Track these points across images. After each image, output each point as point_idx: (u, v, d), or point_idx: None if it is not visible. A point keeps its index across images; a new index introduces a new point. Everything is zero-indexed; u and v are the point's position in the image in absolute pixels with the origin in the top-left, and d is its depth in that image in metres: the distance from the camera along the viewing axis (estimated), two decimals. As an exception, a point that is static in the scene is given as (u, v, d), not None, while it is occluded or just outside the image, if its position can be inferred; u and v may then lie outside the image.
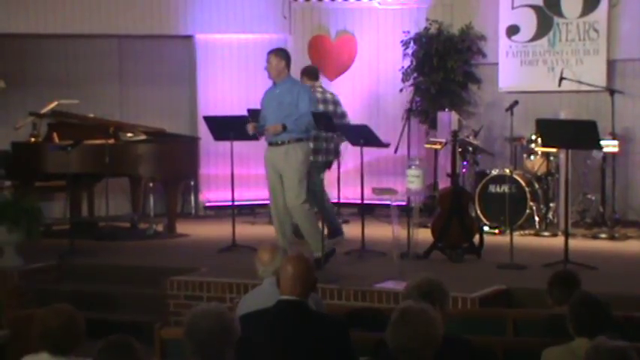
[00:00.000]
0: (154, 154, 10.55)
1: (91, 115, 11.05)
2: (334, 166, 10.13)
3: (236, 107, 11.19)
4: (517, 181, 10.18)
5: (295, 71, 13.11)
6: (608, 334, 4.32)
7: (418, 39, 11.83)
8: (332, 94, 10.19)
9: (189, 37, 12.37)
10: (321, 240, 8.27)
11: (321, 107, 9.71)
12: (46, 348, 4.18)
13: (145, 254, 9.56)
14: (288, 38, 12.59)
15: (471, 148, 10.63)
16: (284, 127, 8.38)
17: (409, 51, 11.86)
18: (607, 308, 4.47)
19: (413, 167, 7.63)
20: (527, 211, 10.25)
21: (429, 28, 11.84)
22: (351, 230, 9.97)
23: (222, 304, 6.20)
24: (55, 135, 10.71)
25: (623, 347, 3.74)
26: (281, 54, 8.70)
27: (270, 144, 8.55)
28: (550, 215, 10.46)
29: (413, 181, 7.62)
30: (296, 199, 8.39)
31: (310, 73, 10.28)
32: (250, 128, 8.69)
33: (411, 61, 11.85)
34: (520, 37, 11.54)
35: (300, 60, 12.58)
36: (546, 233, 10.19)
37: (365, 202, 9.64)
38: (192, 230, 10.87)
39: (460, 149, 10.18)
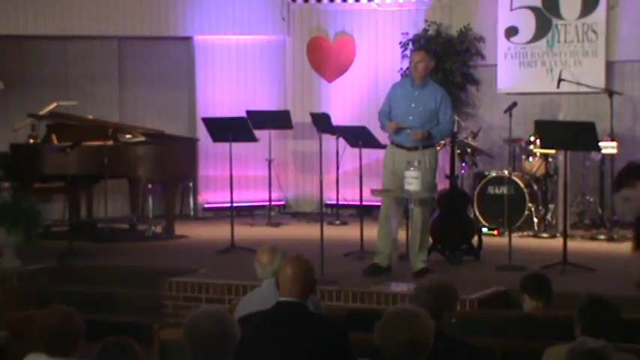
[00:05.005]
0: (153, 155, 10.54)
1: (90, 117, 11.04)
2: (333, 167, 10.12)
3: (235, 109, 11.20)
4: (516, 183, 10.18)
5: (294, 72, 13.15)
6: (616, 337, 4.33)
7: (417, 40, 11.81)
8: None
9: (188, 39, 12.36)
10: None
11: None
12: (44, 349, 4.18)
13: (144, 255, 9.56)
14: (287, 40, 12.59)
15: (469, 150, 10.62)
16: (430, 135, 8.08)
17: (408, 52, 11.84)
18: (616, 310, 4.47)
19: (411, 169, 7.63)
20: (526, 212, 10.25)
21: (427, 29, 11.83)
22: (350, 231, 9.97)
23: (223, 306, 6.20)
24: (53, 136, 10.70)
25: (600, 348, 3.73)
26: (431, 53, 8.36)
27: (401, 146, 8.14)
28: (549, 217, 10.46)
29: (411, 182, 7.61)
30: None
31: None
32: (393, 127, 8.10)
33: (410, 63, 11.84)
34: (519, 38, 11.54)
35: (298, 61, 12.60)
36: (545, 235, 10.19)
37: (364, 203, 9.65)
38: (191, 232, 10.87)
39: (459, 151, 10.17)
